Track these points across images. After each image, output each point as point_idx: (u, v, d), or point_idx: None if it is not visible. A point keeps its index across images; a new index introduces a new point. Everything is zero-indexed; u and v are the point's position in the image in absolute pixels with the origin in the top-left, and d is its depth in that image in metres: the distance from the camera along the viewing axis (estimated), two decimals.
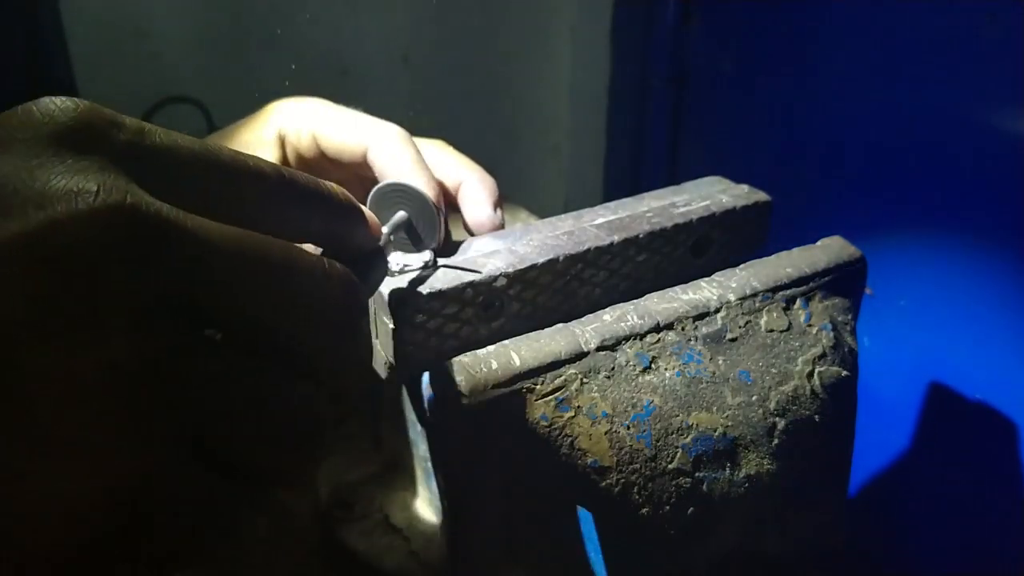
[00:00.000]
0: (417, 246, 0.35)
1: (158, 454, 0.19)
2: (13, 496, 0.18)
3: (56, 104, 0.20)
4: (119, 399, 0.19)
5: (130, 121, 0.21)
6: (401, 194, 0.34)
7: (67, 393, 0.18)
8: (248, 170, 0.23)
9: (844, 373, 0.40)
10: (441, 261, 0.36)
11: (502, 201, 0.42)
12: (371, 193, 0.34)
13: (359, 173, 0.41)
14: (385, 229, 0.31)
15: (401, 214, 0.34)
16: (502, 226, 0.41)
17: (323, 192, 0.25)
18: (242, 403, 0.21)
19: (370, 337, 0.34)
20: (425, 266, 0.35)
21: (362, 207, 0.28)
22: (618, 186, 0.97)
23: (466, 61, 0.92)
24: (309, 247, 0.28)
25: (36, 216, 0.18)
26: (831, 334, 0.41)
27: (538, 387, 0.34)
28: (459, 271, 0.36)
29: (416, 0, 0.87)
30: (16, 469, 0.18)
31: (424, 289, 0.34)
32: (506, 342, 0.36)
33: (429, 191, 0.37)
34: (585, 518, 0.36)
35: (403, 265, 0.34)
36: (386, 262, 0.31)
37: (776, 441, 0.38)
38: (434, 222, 0.35)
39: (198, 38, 0.79)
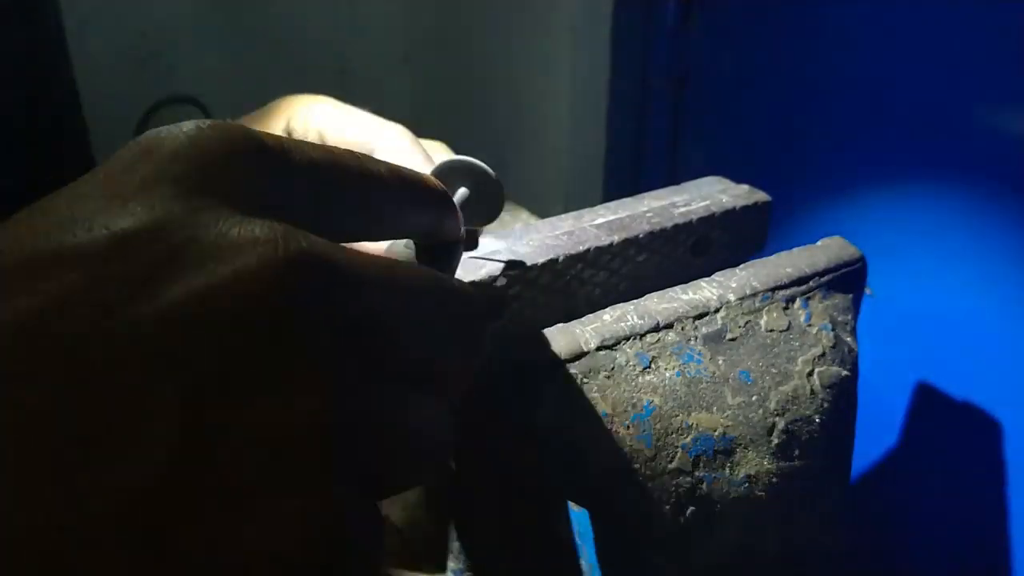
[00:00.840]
0: (478, 221, 0.35)
1: (345, 498, 0.19)
2: (211, 557, 0.17)
3: (205, 133, 0.19)
4: (312, 450, 0.18)
5: (272, 142, 0.20)
6: (462, 172, 0.34)
7: (264, 450, 0.17)
8: (371, 175, 0.23)
9: (844, 373, 0.40)
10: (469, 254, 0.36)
11: None
12: (433, 170, 0.34)
13: None
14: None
15: (463, 191, 0.33)
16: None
17: (429, 189, 0.25)
18: (402, 433, 0.20)
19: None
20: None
21: (451, 197, 0.28)
22: (618, 186, 0.97)
23: (466, 61, 0.92)
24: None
25: (220, 270, 0.17)
26: (831, 334, 0.41)
27: None
28: (485, 260, 0.36)
29: (416, 0, 0.87)
30: (215, 530, 0.17)
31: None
32: None
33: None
34: (582, 517, 0.36)
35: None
36: (462, 247, 0.30)
37: (776, 441, 0.38)
38: (495, 199, 0.34)
39: (198, 38, 0.79)
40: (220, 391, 0.17)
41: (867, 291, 0.45)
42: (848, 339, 0.42)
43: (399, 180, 0.24)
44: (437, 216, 0.26)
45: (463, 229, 0.30)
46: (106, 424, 0.16)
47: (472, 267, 0.36)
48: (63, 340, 0.16)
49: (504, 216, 0.68)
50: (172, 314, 0.17)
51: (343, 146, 0.41)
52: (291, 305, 0.18)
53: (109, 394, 0.16)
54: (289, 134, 0.41)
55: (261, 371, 0.17)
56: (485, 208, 0.34)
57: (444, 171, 0.33)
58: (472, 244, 0.38)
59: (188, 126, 0.19)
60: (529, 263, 0.37)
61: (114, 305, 0.16)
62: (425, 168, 0.38)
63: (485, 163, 0.34)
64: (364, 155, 0.23)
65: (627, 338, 0.37)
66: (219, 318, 0.17)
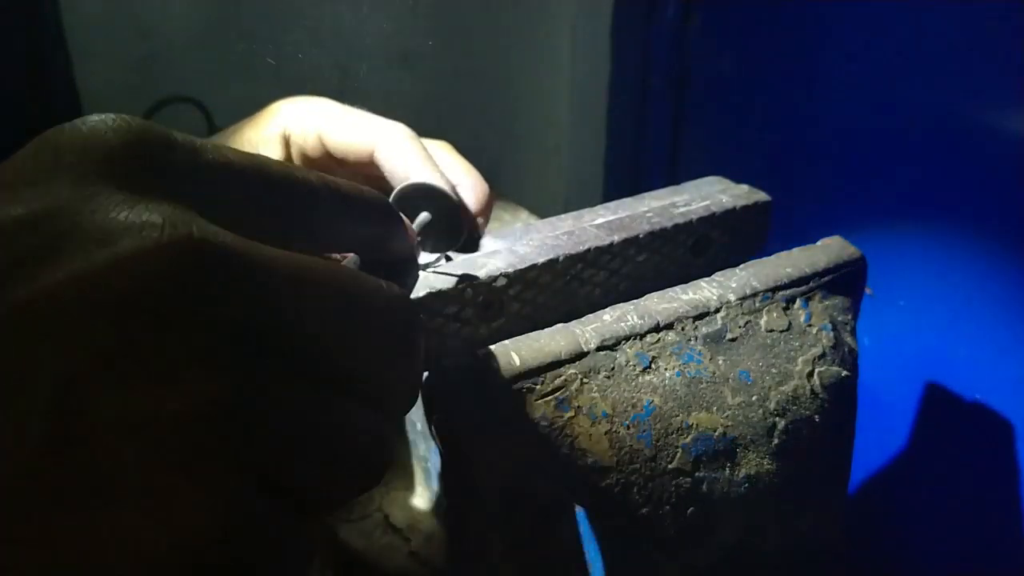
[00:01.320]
0: (438, 247, 0.35)
1: (233, 493, 0.18)
2: (88, 545, 0.17)
3: (107, 124, 0.19)
4: (194, 439, 0.17)
5: (182, 139, 0.20)
6: (424, 195, 0.33)
7: (141, 438, 0.17)
8: (298, 183, 0.22)
9: (844, 373, 0.40)
10: (442, 267, 0.36)
11: (489, 210, 0.41)
12: (394, 193, 0.34)
13: (364, 172, 0.41)
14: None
15: (425, 215, 0.33)
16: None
17: (367, 200, 0.25)
18: (310, 433, 0.20)
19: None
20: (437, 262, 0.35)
21: (400, 213, 0.27)
22: (618, 186, 0.97)
23: (466, 61, 0.92)
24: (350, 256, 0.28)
25: (100, 254, 0.17)
26: (831, 334, 0.41)
27: (538, 387, 0.34)
28: (453, 275, 0.35)
29: (416, 0, 0.87)
30: (91, 518, 0.17)
31: (424, 289, 0.34)
32: (506, 342, 0.36)
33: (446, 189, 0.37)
34: (585, 518, 0.36)
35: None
36: (418, 266, 0.30)
37: (776, 441, 0.38)
38: (457, 223, 0.34)
39: (198, 38, 0.79)
40: (95, 376, 0.17)
41: (867, 291, 0.45)
42: (848, 339, 0.42)
43: (333, 192, 0.23)
44: (380, 231, 0.26)
45: (418, 248, 0.29)
46: None
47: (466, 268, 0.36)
48: None
49: (504, 216, 0.68)
50: (49, 298, 0.17)
51: (343, 146, 0.41)
52: (173, 291, 0.17)
53: None
54: (287, 136, 0.41)
55: (140, 357, 0.17)
56: (449, 232, 0.34)
57: (406, 193, 0.33)
58: (472, 247, 0.38)
59: (92, 119, 0.19)
60: (529, 263, 0.37)
61: None
62: (425, 166, 0.38)
63: (478, 167, 0.35)
64: (296, 166, 0.23)
65: (627, 338, 0.37)
66: (95, 302, 0.17)
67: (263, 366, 0.19)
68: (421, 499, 0.58)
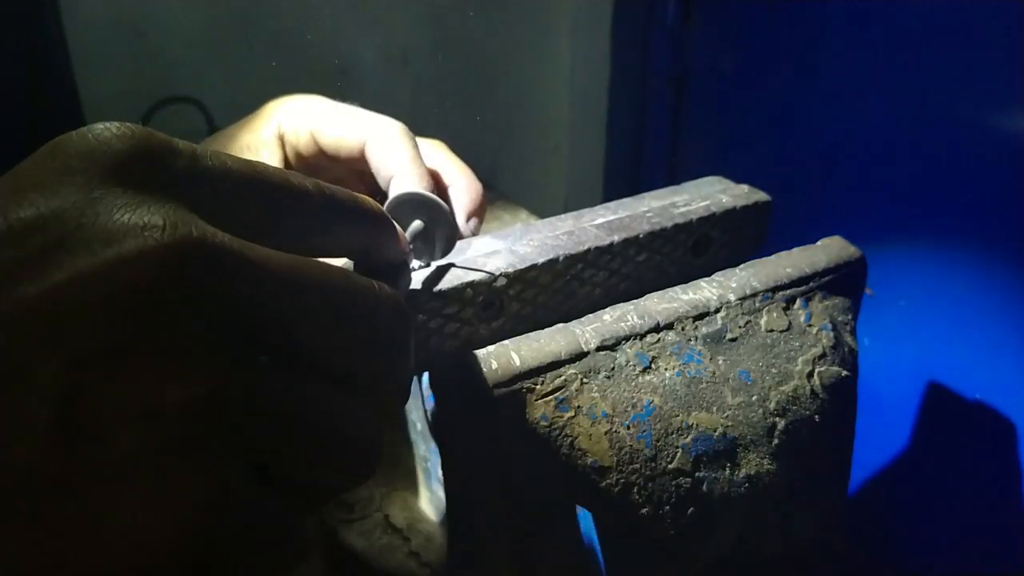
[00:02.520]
0: (430, 255, 0.35)
1: (230, 481, 0.19)
2: (91, 531, 0.18)
3: (112, 131, 0.20)
4: (192, 428, 0.18)
5: (183, 146, 0.21)
6: (417, 204, 0.34)
7: (144, 427, 0.18)
8: (294, 190, 0.23)
9: (844, 373, 0.40)
10: (450, 260, 0.36)
11: (483, 210, 0.42)
12: (388, 202, 0.34)
13: (357, 169, 0.41)
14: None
15: (417, 223, 0.34)
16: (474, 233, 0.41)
17: (361, 207, 0.26)
18: (303, 423, 0.21)
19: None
20: (436, 268, 0.35)
21: (392, 220, 0.28)
22: (618, 186, 0.97)
23: (466, 61, 0.92)
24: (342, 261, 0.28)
25: (104, 253, 0.18)
26: (831, 334, 0.41)
27: (538, 387, 0.34)
28: (465, 270, 0.36)
29: (416, 0, 0.87)
30: (95, 505, 0.18)
31: (424, 289, 0.34)
32: (506, 342, 0.36)
33: (423, 187, 0.37)
34: (585, 518, 0.36)
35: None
36: (410, 272, 0.31)
37: (776, 441, 0.38)
38: (449, 232, 0.35)
39: (198, 38, 0.79)
40: (99, 367, 0.18)
41: (867, 291, 0.45)
42: (848, 339, 0.42)
43: (326, 197, 0.24)
44: (372, 235, 0.27)
45: (410, 255, 0.30)
46: None
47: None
48: None
49: (504, 216, 0.69)
50: (55, 294, 0.18)
51: (335, 142, 0.41)
52: (172, 288, 0.18)
53: None
54: (281, 136, 0.41)
55: (140, 351, 0.18)
56: (442, 240, 0.35)
57: (399, 203, 0.34)
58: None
59: (97, 127, 0.20)
60: (529, 263, 0.37)
61: (1, 286, 0.18)
62: (413, 163, 0.38)
63: (476, 168, 0.35)
64: (293, 172, 0.24)
65: (627, 338, 0.37)
66: (99, 298, 0.18)
67: (258, 359, 0.20)
68: (421, 499, 0.58)
